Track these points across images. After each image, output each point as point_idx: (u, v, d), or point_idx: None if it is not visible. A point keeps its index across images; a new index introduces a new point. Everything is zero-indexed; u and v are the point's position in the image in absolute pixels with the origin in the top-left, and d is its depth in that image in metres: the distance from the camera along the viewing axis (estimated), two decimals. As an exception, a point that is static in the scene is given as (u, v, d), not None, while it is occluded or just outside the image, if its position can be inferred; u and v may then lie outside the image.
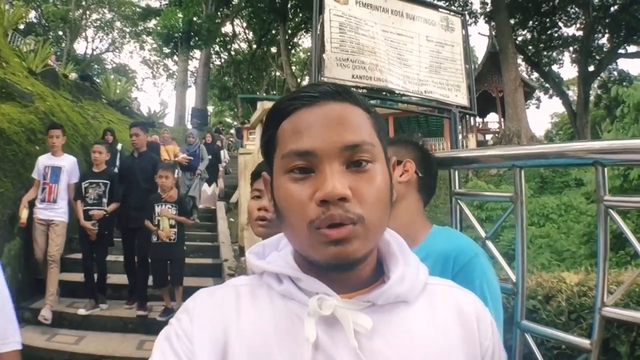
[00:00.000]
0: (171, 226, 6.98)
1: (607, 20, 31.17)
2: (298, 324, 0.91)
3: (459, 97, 6.09)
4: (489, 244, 2.74)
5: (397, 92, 5.71)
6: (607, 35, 33.09)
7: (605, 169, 2.16)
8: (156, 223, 6.95)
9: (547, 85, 39.18)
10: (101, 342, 6.58)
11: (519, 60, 33.14)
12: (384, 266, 1.03)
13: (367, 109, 1.00)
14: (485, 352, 0.99)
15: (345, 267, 0.91)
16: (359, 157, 0.92)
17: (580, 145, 2.28)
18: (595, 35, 32.89)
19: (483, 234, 2.77)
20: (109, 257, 7.95)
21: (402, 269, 1.00)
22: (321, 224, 0.88)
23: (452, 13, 6.37)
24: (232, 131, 34.09)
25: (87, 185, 7.40)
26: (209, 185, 14.28)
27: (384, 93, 5.76)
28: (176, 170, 12.85)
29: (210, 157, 14.00)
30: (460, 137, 7.17)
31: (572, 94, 42.16)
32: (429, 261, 1.24)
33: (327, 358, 0.89)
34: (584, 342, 2.15)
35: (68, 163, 7.52)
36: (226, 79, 47.15)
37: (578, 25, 34.50)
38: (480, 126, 37.46)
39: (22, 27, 30.91)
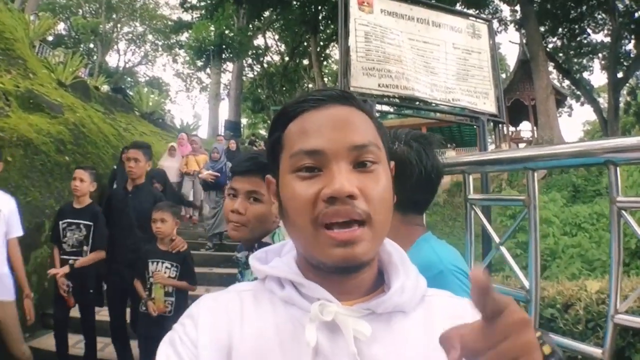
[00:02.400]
0: (167, 293, 4.98)
1: (632, 26, 30.75)
2: (300, 329, 0.91)
3: (487, 104, 6.05)
4: (503, 250, 2.71)
5: (424, 100, 5.69)
6: (633, 41, 32.63)
7: (618, 168, 2.09)
8: (149, 286, 4.98)
9: (578, 92, 38.65)
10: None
11: (550, 68, 32.82)
12: (384, 276, 1.04)
13: (370, 114, 1.02)
14: None
15: (352, 269, 0.92)
16: (365, 157, 0.93)
17: (592, 145, 2.21)
18: (623, 42, 32.43)
19: (497, 240, 2.74)
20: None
21: (403, 279, 1.00)
22: (324, 218, 0.89)
23: (478, 20, 6.36)
24: (262, 143, 34.14)
25: (65, 226, 5.63)
26: None
27: (417, 103, 5.73)
28: (192, 188, 12.34)
29: None
30: (493, 146, 7.11)
31: (603, 101, 41.61)
32: None
33: None
34: (596, 351, 2.10)
35: (4, 206, 5.07)
36: (259, 91, 47.21)
37: (606, 32, 34.11)
38: (514, 135, 37.16)
39: (50, 39, 31.39)
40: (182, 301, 5.05)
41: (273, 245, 1.15)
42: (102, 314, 7.17)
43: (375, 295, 0.98)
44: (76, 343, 6.58)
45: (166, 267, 5.00)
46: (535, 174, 2.47)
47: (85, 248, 5.52)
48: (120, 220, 5.71)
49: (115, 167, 8.60)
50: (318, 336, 0.89)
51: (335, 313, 0.91)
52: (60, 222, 5.60)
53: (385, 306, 0.95)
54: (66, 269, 5.31)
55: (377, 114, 5.82)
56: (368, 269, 0.97)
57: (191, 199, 12.38)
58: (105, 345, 6.57)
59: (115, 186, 8.28)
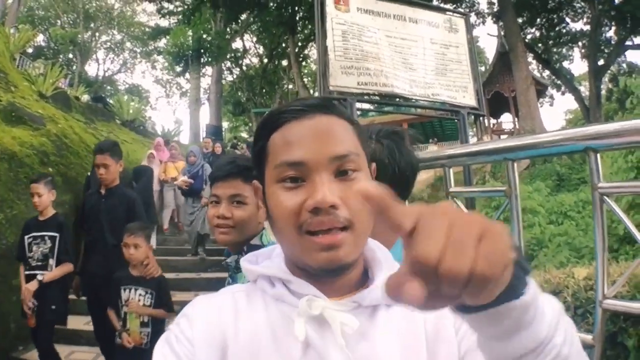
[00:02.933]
0: (143, 324, 4.48)
1: (612, 13, 30.97)
2: (290, 325, 0.95)
3: (467, 97, 6.08)
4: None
5: (404, 96, 5.70)
6: (613, 28, 32.87)
7: (598, 155, 2.11)
8: (123, 316, 4.51)
9: (559, 82, 38.95)
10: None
11: (530, 59, 32.99)
12: (369, 272, 1.07)
13: (350, 120, 1.05)
14: (461, 339, 0.98)
15: (336, 271, 0.96)
16: (347, 166, 0.97)
17: (571, 133, 2.23)
18: (603, 29, 32.70)
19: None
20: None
21: (386, 273, 0.97)
22: (309, 227, 0.92)
23: (455, 14, 6.38)
24: (244, 146, 34.09)
25: (31, 240, 5.29)
26: None
27: (397, 99, 5.74)
28: (173, 196, 11.85)
29: None
30: (475, 139, 7.14)
31: (584, 89, 41.84)
32: None
33: (318, 355, 0.93)
34: (587, 337, 2.10)
35: None
36: (239, 94, 47.14)
37: (585, 20, 34.33)
38: (495, 127, 37.30)
39: (30, 50, 31.17)
40: (159, 331, 4.36)
41: (263, 249, 1.18)
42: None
43: (361, 290, 1.01)
44: (69, 354, 6.62)
45: (140, 295, 4.54)
46: (515, 165, 2.49)
47: (50, 262, 5.19)
48: (93, 225, 5.37)
49: (89, 174, 8.31)
50: (308, 330, 0.93)
51: (323, 307, 0.95)
52: (26, 237, 5.31)
53: (370, 298, 0.98)
54: (34, 284, 5.00)
55: (358, 112, 5.83)
56: (353, 269, 1.01)
57: (172, 207, 12.19)
58: (97, 356, 6.58)
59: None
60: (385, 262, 1.06)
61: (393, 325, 0.98)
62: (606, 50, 33.25)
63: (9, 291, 6.41)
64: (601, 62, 32.31)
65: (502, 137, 33.90)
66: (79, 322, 7.19)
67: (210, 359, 0.94)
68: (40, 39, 44.81)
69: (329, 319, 0.94)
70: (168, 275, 7.88)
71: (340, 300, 0.98)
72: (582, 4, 32.78)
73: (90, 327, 6.80)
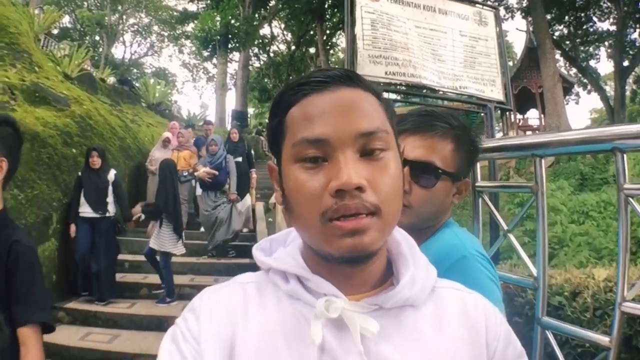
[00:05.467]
0: None
1: (637, 15, 30.65)
2: (305, 326, 0.90)
3: (495, 92, 6.03)
4: (512, 237, 2.70)
5: (431, 87, 5.67)
6: (638, 30, 32.57)
7: (625, 155, 2.08)
8: None
9: (585, 80, 38.58)
10: (135, 341, 6.61)
11: (557, 56, 32.74)
12: (393, 267, 1.01)
13: (378, 95, 0.98)
14: (493, 354, 0.95)
15: (361, 259, 0.89)
16: (374, 145, 0.89)
17: (599, 132, 2.23)
18: (628, 30, 32.35)
19: (505, 227, 2.73)
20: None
21: (412, 271, 0.97)
22: (334, 214, 0.85)
23: (484, 7, 6.31)
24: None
25: None
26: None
27: (424, 90, 5.72)
28: (194, 187, 10.71)
29: (239, 159, 10.91)
30: (501, 134, 7.10)
31: (610, 89, 41.48)
32: None
33: None
34: (604, 339, 2.09)
35: None
36: (266, 80, 47.09)
37: (611, 20, 34.02)
38: (521, 123, 37.04)
39: (56, 32, 31.36)
40: None
41: (278, 234, 1.12)
42: (118, 306, 7.25)
43: (383, 289, 0.96)
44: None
45: None
46: (543, 161, 2.47)
47: None
48: None
49: (80, 173, 8.13)
50: (324, 333, 0.88)
51: (342, 309, 0.89)
52: None
53: (394, 301, 0.93)
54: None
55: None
56: (376, 260, 0.95)
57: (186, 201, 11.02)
58: (113, 338, 6.65)
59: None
60: (412, 257, 1.00)
61: (419, 331, 0.93)
62: (631, 52, 32.91)
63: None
64: (626, 63, 32.03)
65: (528, 133, 33.75)
66: (96, 305, 7.46)
67: (216, 358, 0.89)
68: (66, 20, 45.27)
69: (348, 322, 0.89)
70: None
71: (361, 300, 0.92)
72: (609, 3, 32.44)
73: (106, 309, 7.01)
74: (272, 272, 1.00)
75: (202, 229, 10.51)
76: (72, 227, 7.83)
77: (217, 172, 9.57)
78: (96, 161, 8.02)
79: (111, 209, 8.11)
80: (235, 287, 1.00)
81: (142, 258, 8.53)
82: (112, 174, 8.25)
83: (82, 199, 7.87)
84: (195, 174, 9.73)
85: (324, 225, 0.87)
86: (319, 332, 0.87)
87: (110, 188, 8.13)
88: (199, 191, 10.30)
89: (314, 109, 0.90)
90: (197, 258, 9.63)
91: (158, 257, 8.02)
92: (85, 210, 7.87)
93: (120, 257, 8.69)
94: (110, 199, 8.10)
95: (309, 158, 0.89)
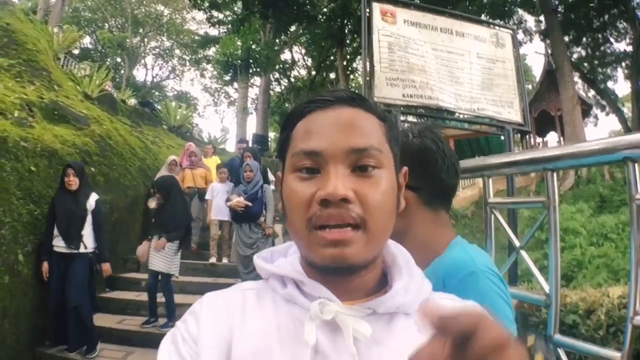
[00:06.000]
0: None
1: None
2: (300, 328, 0.91)
3: (512, 113, 6.03)
4: (523, 253, 2.69)
5: (449, 110, 5.68)
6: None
7: (636, 165, 2.08)
8: None
9: (603, 102, 38.35)
10: (149, 358, 6.49)
11: (576, 78, 32.56)
12: (388, 277, 1.03)
13: (381, 117, 1.01)
14: None
15: (343, 270, 0.91)
16: (365, 161, 0.93)
17: (609, 142, 2.22)
18: (644, 50, 32.17)
19: (517, 244, 2.73)
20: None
21: (406, 280, 0.99)
22: (318, 221, 0.89)
23: (502, 29, 6.34)
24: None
25: None
26: None
27: (442, 113, 5.73)
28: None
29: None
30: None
31: (627, 110, 41.15)
32: (433, 278, 1.14)
33: None
34: (615, 355, 2.09)
35: None
36: (287, 105, 46.93)
37: (628, 40, 33.83)
38: (541, 146, 36.89)
39: (76, 52, 31.72)
40: None
41: (280, 246, 1.14)
42: (125, 323, 7.24)
43: (377, 296, 0.96)
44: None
45: None
46: (555, 175, 2.48)
47: None
48: None
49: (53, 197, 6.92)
50: (318, 335, 0.90)
51: (336, 312, 0.91)
52: None
53: (386, 306, 0.95)
54: None
55: (402, 125, 5.80)
56: (370, 271, 0.97)
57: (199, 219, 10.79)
58: (127, 354, 6.66)
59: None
60: (406, 268, 1.02)
61: (410, 335, 0.87)
62: (647, 72, 32.70)
63: (40, 286, 6.55)
64: (643, 83, 31.82)
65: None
66: (111, 321, 7.40)
67: (214, 358, 0.91)
68: (87, 41, 45.59)
69: (341, 325, 0.90)
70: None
71: (354, 305, 0.94)
72: (625, 24, 32.30)
73: (120, 326, 7.00)
74: (272, 278, 1.02)
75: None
76: (45, 266, 6.52)
77: (250, 204, 8.39)
78: (72, 181, 6.72)
79: (89, 244, 6.67)
80: (235, 292, 1.03)
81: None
82: (92, 200, 6.91)
83: (56, 229, 6.56)
84: (228, 204, 8.72)
85: (309, 233, 0.90)
86: (313, 333, 0.89)
87: (89, 217, 6.78)
88: (198, 210, 10.54)
89: (315, 124, 0.96)
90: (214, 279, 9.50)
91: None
92: (59, 243, 6.53)
93: (137, 275, 8.76)
94: (87, 231, 6.71)
95: (304, 168, 0.93)
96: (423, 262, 1.68)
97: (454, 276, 1.55)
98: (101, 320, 7.31)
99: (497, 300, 1.54)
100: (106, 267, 6.83)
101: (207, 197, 10.17)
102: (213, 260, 9.95)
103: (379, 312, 0.94)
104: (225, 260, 10.13)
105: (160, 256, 7.32)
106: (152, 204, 7.83)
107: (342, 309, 0.92)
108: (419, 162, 1.73)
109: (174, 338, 0.95)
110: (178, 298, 7.61)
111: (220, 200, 9.70)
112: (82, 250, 6.55)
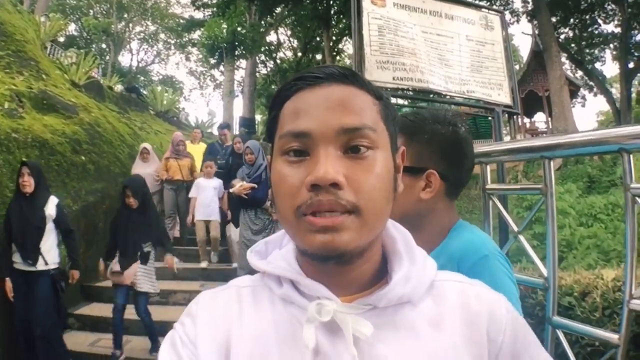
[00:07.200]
0: None
1: (641, 17, 30.70)
2: (299, 329, 0.88)
3: (502, 95, 6.04)
4: (522, 238, 2.73)
5: (439, 92, 5.69)
6: (642, 32, 32.59)
7: (631, 156, 2.13)
8: None
9: (591, 83, 38.56)
10: (146, 347, 6.56)
11: (563, 59, 32.71)
12: (388, 265, 0.97)
13: (375, 94, 0.94)
14: (499, 348, 0.91)
15: (336, 259, 0.85)
16: (358, 142, 0.86)
17: (605, 133, 2.27)
18: (633, 32, 32.34)
19: (515, 229, 2.77)
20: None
21: (407, 268, 0.94)
22: (307, 209, 0.83)
23: (490, 11, 6.34)
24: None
25: None
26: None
27: (432, 95, 5.73)
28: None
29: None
30: (509, 137, 7.10)
31: (616, 91, 41.38)
32: (439, 260, 1.10)
33: None
34: (613, 337, 2.14)
35: None
36: (273, 87, 46.84)
37: (616, 22, 33.99)
38: (529, 126, 37.06)
39: (62, 40, 31.51)
40: None
41: (275, 235, 1.09)
42: (128, 312, 7.22)
43: (377, 288, 0.92)
44: (96, 341, 6.73)
45: None
46: (552, 163, 2.50)
47: None
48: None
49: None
50: (317, 336, 0.86)
51: (334, 312, 0.87)
52: None
53: (387, 299, 0.90)
54: None
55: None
56: (367, 260, 0.92)
57: (171, 213, 10.13)
58: (126, 342, 6.65)
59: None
60: (407, 253, 0.97)
61: (416, 329, 0.90)
62: (636, 54, 32.92)
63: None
64: (631, 65, 32.04)
65: (535, 136, 33.71)
66: (106, 310, 6.92)
67: None
68: (72, 28, 45.30)
69: (341, 325, 0.86)
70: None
71: (354, 301, 0.90)
72: (613, 5, 32.44)
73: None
74: (267, 275, 0.99)
75: (235, 265, 8.82)
76: (8, 284, 5.64)
77: (255, 185, 7.78)
78: (27, 182, 5.80)
79: (50, 258, 5.83)
80: (231, 291, 1.00)
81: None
82: (52, 205, 6.00)
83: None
84: (231, 190, 7.99)
85: (298, 220, 0.85)
86: (311, 336, 0.85)
87: (50, 226, 5.92)
88: (187, 204, 9.78)
89: (303, 103, 0.89)
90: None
91: None
92: (17, 259, 5.71)
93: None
94: (48, 243, 5.87)
95: (292, 151, 0.88)
96: (433, 246, 1.70)
97: (469, 259, 1.58)
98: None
99: (506, 281, 1.57)
100: (76, 274, 6.13)
101: (192, 194, 9.51)
102: (204, 265, 9.39)
103: (380, 307, 0.90)
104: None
105: (144, 272, 6.43)
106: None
107: (341, 307, 0.88)
108: (454, 152, 1.75)
109: (172, 341, 0.93)
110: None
111: (205, 198, 9.30)
112: (41, 267, 5.71)
